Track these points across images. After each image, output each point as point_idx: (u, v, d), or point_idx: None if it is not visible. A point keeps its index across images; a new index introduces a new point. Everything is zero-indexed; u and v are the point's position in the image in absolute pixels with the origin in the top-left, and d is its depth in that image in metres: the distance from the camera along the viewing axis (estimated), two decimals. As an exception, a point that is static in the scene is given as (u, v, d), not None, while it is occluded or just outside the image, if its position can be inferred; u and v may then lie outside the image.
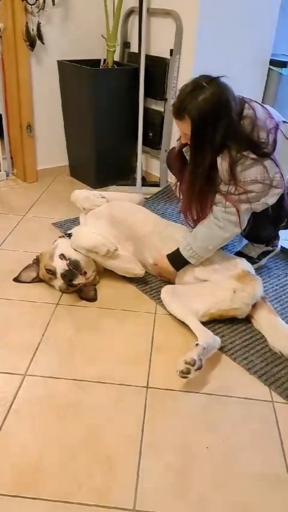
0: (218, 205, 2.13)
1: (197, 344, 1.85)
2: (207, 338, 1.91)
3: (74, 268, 2.17)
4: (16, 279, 2.35)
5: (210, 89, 1.89)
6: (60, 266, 2.21)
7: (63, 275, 2.18)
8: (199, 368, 1.76)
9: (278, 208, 2.20)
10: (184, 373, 1.75)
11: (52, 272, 2.24)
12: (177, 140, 2.38)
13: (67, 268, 2.18)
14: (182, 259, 2.22)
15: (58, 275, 2.21)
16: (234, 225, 2.13)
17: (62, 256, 2.23)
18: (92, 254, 2.25)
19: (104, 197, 2.54)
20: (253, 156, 1.99)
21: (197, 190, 2.12)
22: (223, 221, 2.13)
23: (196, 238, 2.18)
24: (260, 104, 2.10)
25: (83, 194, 2.54)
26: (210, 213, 2.17)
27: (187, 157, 2.21)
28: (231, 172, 2.01)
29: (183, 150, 2.21)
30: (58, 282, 2.23)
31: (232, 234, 2.19)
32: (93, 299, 2.27)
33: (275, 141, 2.02)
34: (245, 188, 2.03)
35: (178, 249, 2.23)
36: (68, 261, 2.19)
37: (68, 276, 2.17)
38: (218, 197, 2.13)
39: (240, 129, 1.98)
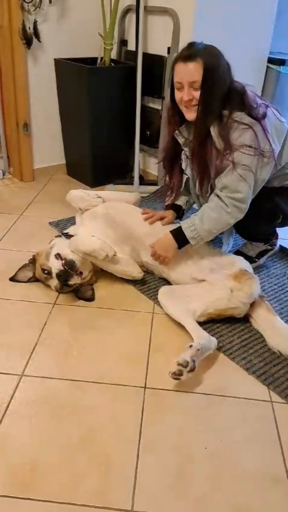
0: (223, 191, 2.11)
1: (190, 346, 1.83)
2: (202, 339, 1.90)
3: (69, 268, 2.15)
4: (13, 279, 2.34)
5: (214, 47, 2.05)
6: (55, 266, 2.19)
7: (58, 275, 2.16)
8: (192, 370, 1.75)
9: (270, 204, 2.19)
10: (176, 375, 1.74)
11: (47, 272, 2.22)
12: (167, 135, 2.38)
13: (62, 268, 2.16)
14: (183, 238, 2.19)
15: (54, 275, 2.19)
16: (239, 211, 2.13)
17: (58, 256, 2.21)
18: (90, 257, 2.24)
19: (100, 197, 2.53)
20: (246, 121, 2.03)
21: (202, 138, 2.11)
22: (231, 207, 2.11)
23: (202, 221, 2.16)
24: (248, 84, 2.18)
25: (79, 195, 2.52)
26: (214, 196, 2.15)
27: (180, 141, 2.22)
28: (225, 136, 2.03)
29: (175, 134, 2.22)
30: (54, 282, 2.22)
31: (236, 220, 2.18)
32: (90, 299, 2.25)
33: (264, 113, 2.06)
34: (238, 152, 2.03)
35: (180, 228, 2.21)
36: (63, 261, 2.17)
37: (63, 276, 2.15)
38: (224, 181, 2.10)
39: (236, 88, 2.07)
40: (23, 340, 1.97)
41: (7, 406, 1.65)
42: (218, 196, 2.13)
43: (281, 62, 3.44)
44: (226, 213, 2.13)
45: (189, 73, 2.00)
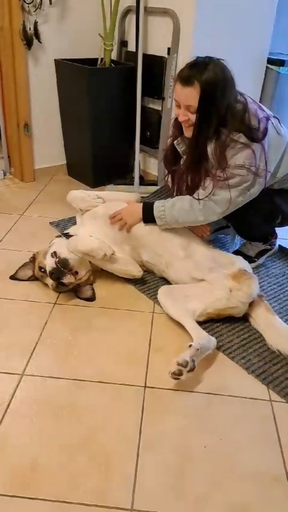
0: (205, 189, 2.15)
1: (190, 345, 1.84)
2: (202, 339, 1.91)
3: (62, 267, 2.15)
4: (13, 277, 2.35)
5: (216, 62, 1.99)
6: (49, 264, 2.19)
7: (51, 273, 2.16)
8: (192, 369, 1.76)
9: (269, 204, 2.20)
10: (176, 375, 1.74)
11: (44, 270, 2.23)
12: (170, 137, 2.39)
13: (55, 266, 2.16)
14: (151, 215, 2.28)
15: (48, 270, 2.20)
16: (212, 213, 2.18)
17: (54, 254, 2.21)
18: (89, 257, 2.24)
19: (100, 198, 2.54)
20: (243, 140, 2.03)
21: (196, 160, 2.14)
22: (203, 205, 2.16)
23: (173, 207, 2.23)
24: (251, 98, 2.14)
25: (80, 195, 2.52)
26: (196, 191, 2.20)
27: (179, 150, 2.24)
28: (220, 155, 2.04)
29: (174, 142, 2.23)
30: (50, 280, 2.22)
31: (206, 220, 2.24)
32: (91, 298, 2.26)
33: (265, 129, 2.06)
34: (230, 172, 2.05)
35: (152, 204, 2.29)
36: (57, 259, 2.17)
37: (56, 274, 2.15)
38: (207, 182, 2.15)
39: (236, 108, 2.04)
40: (24, 340, 1.98)
41: (8, 405, 1.65)
42: (197, 193, 2.19)
43: (280, 63, 3.44)
44: (197, 210, 2.18)
45: (185, 97, 2.01)
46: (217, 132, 2.04)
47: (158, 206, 2.26)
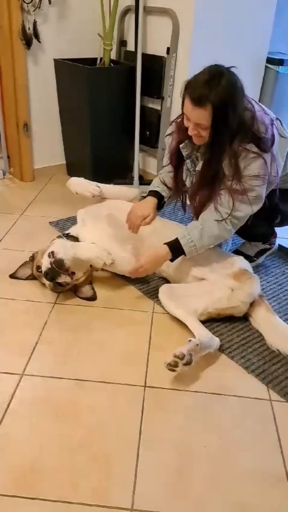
0: (222, 205, 2.09)
1: (189, 340, 1.85)
2: (203, 336, 1.92)
3: (57, 267, 2.13)
4: (13, 276, 2.36)
5: (228, 76, 1.89)
6: (45, 264, 2.18)
7: (46, 273, 2.15)
8: (188, 363, 1.77)
9: (268, 204, 2.20)
10: (171, 366, 1.76)
11: (41, 270, 2.23)
12: (166, 135, 2.38)
13: (50, 266, 2.14)
14: (180, 252, 2.17)
15: (44, 270, 2.19)
16: (236, 227, 2.15)
17: (51, 254, 2.18)
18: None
19: (98, 186, 2.51)
20: (255, 150, 1.99)
21: (209, 179, 2.10)
22: (231, 225, 2.12)
23: (202, 237, 2.13)
24: (254, 100, 2.10)
25: (79, 180, 2.51)
26: (216, 212, 2.11)
27: (184, 154, 2.20)
28: (235, 165, 2.00)
29: (180, 146, 2.20)
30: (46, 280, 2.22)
31: (231, 231, 2.18)
32: (92, 298, 2.27)
33: (273, 136, 2.03)
34: (247, 184, 2.02)
35: (176, 240, 2.16)
36: (52, 260, 2.15)
37: (50, 274, 2.14)
38: (224, 197, 2.09)
39: (245, 118, 1.98)
40: (24, 340, 1.98)
41: (8, 405, 1.65)
42: (219, 212, 2.10)
43: (279, 62, 3.44)
44: (225, 230, 2.13)
45: (196, 117, 1.94)
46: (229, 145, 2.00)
47: (188, 243, 2.13)
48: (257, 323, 2.13)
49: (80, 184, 2.50)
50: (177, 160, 2.29)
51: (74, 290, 2.28)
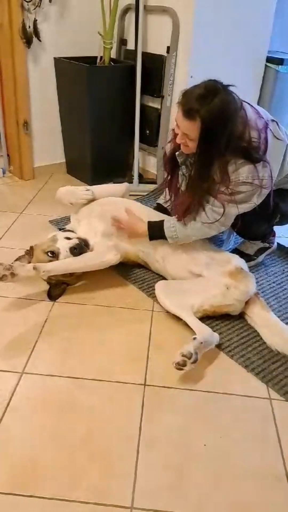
0: (208, 203, 2.14)
1: (194, 338, 1.85)
2: (205, 333, 1.92)
3: (85, 244, 2.25)
4: None
5: (222, 95, 1.87)
6: (67, 243, 2.22)
7: (73, 248, 2.19)
8: (195, 361, 1.78)
9: (268, 204, 2.20)
10: (180, 365, 1.76)
11: (53, 254, 2.22)
12: (168, 142, 2.38)
13: (78, 242, 2.22)
14: (161, 235, 2.27)
15: (66, 250, 2.20)
16: (220, 224, 2.17)
17: (68, 239, 2.26)
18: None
19: (89, 190, 2.53)
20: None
21: (197, 192, 2.12)
22: (211, 219, 2.15)
23: (185, 226, 2.20)
24: (249, 103, 2.10)
25: (68, 190, 2.53)
26: (201, 209, 2.17)
27: (179, 160, 2.22)
28: (223, 171, 2.02)
29: (176, 154, 2.21)
30: None
31: (217, 231, 2.27)
32: (56, 296, 2.28)
33: (266, 140, 2.04)
34: (234, 189, 2.05)
35: (162, 222, 2.27)
36: (78, 238, 2.25)
37: (78, 249, 2.20)
38: (212, 199, 2.14)
39: (237, 140, 1.98)
40: (24, 338, 1.98)
41: (8, 404, 1.66)
42: (207, 216, 2.16)
43: (279, 61, 3.45)
44: (206, 225, 2.18)
45: (185, 128, 1.96)
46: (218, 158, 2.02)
47: (169, 227, 2.23)
48: (253, 321, 2.13)
49: (71, 193, 2.53)
50: (172, 166, 2.33)
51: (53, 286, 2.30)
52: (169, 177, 2.38)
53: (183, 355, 1.77)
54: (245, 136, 2.00)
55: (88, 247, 2.25)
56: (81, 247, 2.22)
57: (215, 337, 1.96)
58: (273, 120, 2.14)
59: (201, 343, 1.84)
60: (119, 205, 2.47)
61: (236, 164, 2.01)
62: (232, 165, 2.01)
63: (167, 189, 2.43)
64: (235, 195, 2.06)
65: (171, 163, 2.31)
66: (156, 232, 2.28)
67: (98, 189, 2.60)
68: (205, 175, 2.05)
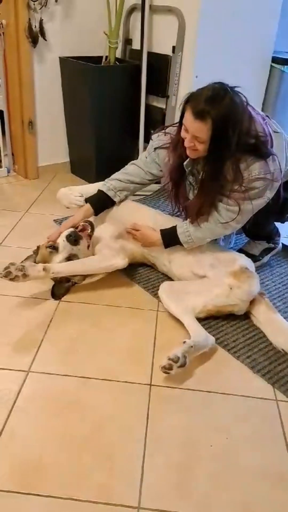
0: (222, 202, 2.12)
1: (184, 342, 1.85)
2: (198, 337, 1.92)
3: (80, 231, 2.27)
4: None
5: (231, 95, 1.87)
6: (62, 235, 2.26)
7: (69, 235, 2.22)
8: (182, 365, 1.77)
9: (278, 201, 2.19)
10: (166, 369, 1.76)
11: (53, 247, 2.25)
12: (155, 133, 2.37)
13: (72, 230, 2.26)
14: (176, 241, 2.25)
15: (61, 242, 2.23)
16: (236, 222, 2.15)
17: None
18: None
19: (81, 196, 2.53)
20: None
21: (211, 193, 2.11)
22: (226, 219, 2.13)
23: (199, 229, 2.19)
24: (244, 96, 2.09)
25: (65, 193, 2.57)
26: (213, 209, 2.15)
27: (187, 170, 2.20)
28: (236, 169, 2.00)
29: (184, 164, 2.17)
30: (58, 257, 2.23)
31: (232, 231, 2.26)
32: (59, 295, 2.28)
33: (269, 133, 2.04)
34: (248, 186, 2.03)
35: (174, 228, 2.25)
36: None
37: (73, 236, 2.22)
38: (227, 203, 2.11)
39: (246, 137, 1.97)
40: (29, 337, 1.98)
41: (14, 402, 1.66)
42: (222, 216, 2.14)
43: (285, 62, 3.45)
44: (221, 225, 2.16)
45: (195, 130, 1.94)
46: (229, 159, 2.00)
47: (183, 232, 2.21)
48: (258, 321, 2.13)
49: (66, 196, 2.56)
50: (177, 177, 2.27)
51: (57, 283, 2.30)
52: (173, 189, 2.31)
53: (169, 359, 1.77)
54: (252, 132, 1.99)
55: (93, 229, 2.28)
56: (76, 234, 2.23)
57: (210, 340, 1.96)
58: (266, 115, 2.15)
59: (191, 346, 1.84)
60: (126, 210, 2.48)
61: (247, 161, 2.00)
62: (243, 163, 2.00)
63: (173, 201, 2.38)
64: (249, 192, 2.04)
65: (176, 174, 2.25)
66: (171, 239, 2.27)
67: (89, 191, 2.56)
68: (218, 175, 2.04)
